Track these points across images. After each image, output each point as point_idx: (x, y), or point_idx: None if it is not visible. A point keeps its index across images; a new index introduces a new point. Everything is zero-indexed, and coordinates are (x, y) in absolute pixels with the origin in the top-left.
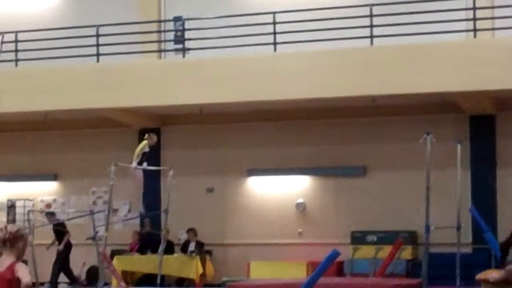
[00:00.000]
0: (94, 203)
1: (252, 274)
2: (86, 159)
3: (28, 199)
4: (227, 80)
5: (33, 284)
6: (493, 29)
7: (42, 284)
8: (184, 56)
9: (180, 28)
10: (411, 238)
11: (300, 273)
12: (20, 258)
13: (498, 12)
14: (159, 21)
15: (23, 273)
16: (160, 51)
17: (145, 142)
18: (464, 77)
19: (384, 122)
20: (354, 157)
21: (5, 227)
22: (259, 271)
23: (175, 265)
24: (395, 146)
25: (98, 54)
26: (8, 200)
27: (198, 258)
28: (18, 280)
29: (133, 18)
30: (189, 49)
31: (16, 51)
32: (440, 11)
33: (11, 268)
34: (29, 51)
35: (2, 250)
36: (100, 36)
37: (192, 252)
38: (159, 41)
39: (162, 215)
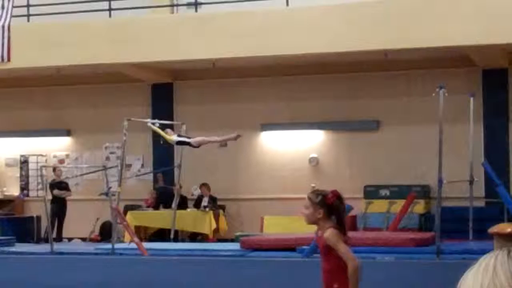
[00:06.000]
0: (107, 158)
1: (265, 229)
2: (99, 115)
3: (41, 155)
4: (239, 35)
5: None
6: None
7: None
8: (196, 10)
9: None
10: (424, 192)
11: (313, 228)
12: None
13: None
14: None
15: None
16: (172, 5)
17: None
18: (476, 30)
19: (397, 76)
20: (367, 111)
21: None
22: (272, 226)
23: (189, 220)
24: (408, 100)
25: (110, 9)
26: (21, 156)
27: (211, 213)
28: None
29: None
30: (201, 3)
31: (28, 6)
32: None
33: None
34: (41, 6)
35: None
36: None
37: (205, 207)
38: None
39: (176, 170)
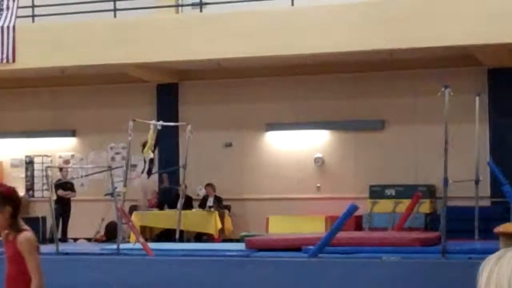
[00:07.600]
0: (112, 158)
1: (270, 229)
2: (104, 115)
3: (46, 155)
4: (244, 35)
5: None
6: None
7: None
8: (201, 10)
9: None
10: (430, 192)
11: (318, 228)
12: None
13: None
14: None
15: None
16: (177, 6)
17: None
18: (482, 30)
19: (402, 75)
20: (373, 111)
21: None
22: (278, 226)
23: (194, 220)
24: (413, 100)
25: (115, 10)
26: (26, 157)
27: (216, 213)
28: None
29: None
30: (206, 3)
31: (33, 6)
32: None
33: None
34: (46, 6)
35: None
36: None
37: (210, 207)
38: None
39: (181, 170)
